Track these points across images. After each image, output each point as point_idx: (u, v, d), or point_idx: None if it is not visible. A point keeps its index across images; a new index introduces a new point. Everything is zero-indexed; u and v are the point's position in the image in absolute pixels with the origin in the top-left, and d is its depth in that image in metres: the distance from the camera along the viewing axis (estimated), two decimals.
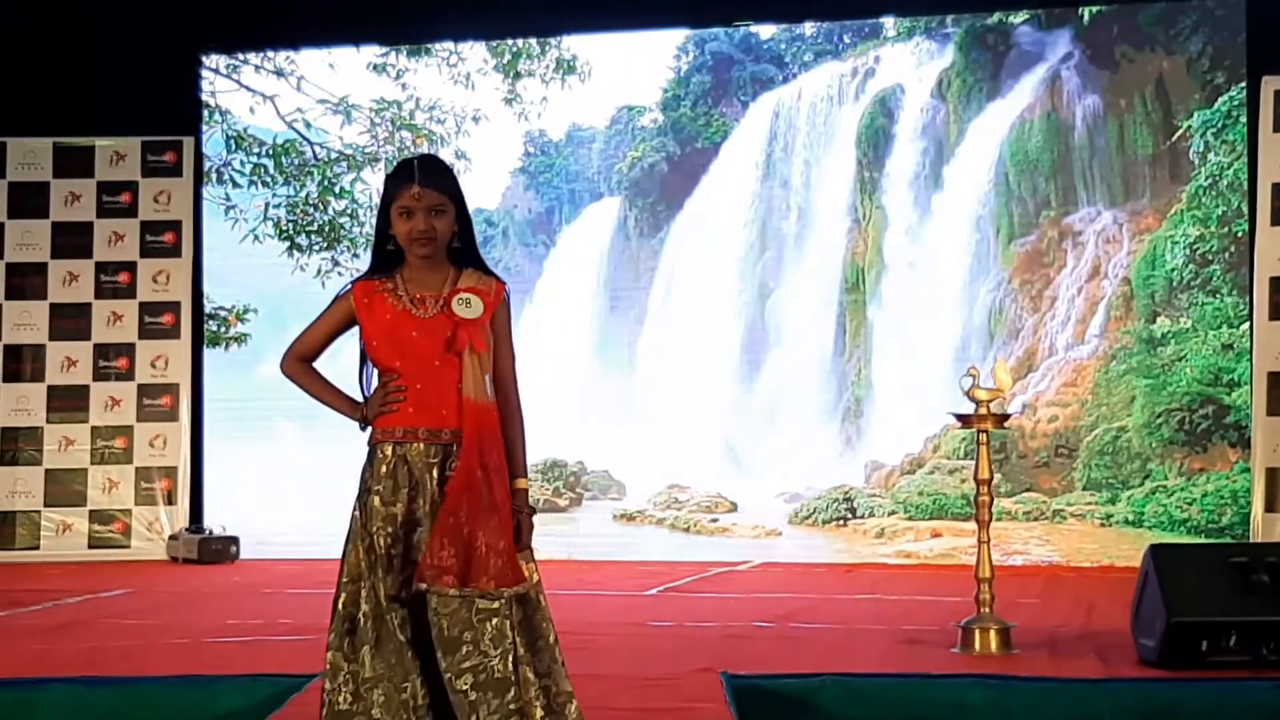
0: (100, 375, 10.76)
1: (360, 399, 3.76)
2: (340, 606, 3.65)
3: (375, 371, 3.76)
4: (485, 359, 3.68)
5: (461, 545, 3.56)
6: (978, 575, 5.86)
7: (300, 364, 3.84)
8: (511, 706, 3.54)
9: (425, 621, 3.59)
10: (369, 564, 3.62)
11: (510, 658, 3.56)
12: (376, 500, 3.64)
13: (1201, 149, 9.91)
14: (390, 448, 3.66)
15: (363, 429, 3.74)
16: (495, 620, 3.57)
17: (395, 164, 3.80)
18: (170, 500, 10.63)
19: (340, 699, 3.63)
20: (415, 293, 3.70)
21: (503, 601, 3.58)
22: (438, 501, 3.61)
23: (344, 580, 3.66)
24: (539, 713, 3.58)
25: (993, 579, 5.86)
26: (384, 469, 3.65)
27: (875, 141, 10.76)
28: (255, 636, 6.52)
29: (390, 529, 3.62)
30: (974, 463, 6.03)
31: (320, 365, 3.86)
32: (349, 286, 3.77)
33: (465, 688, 3.55)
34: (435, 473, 3.63)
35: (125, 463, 10.67)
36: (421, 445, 3.65)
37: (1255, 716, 4.86)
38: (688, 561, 9.89)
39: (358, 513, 3.66)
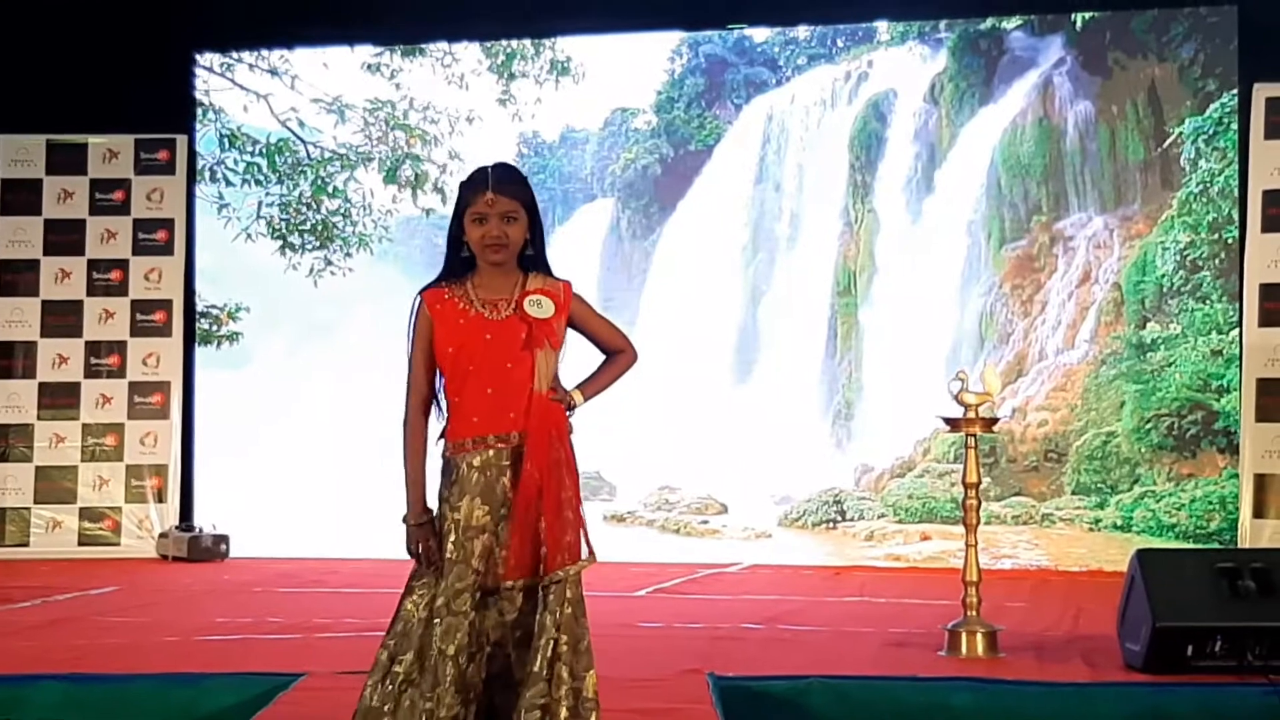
0: (91, 373, 10.75)
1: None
2: (402, 607, 3.75)
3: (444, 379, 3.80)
4: (556, 358, 3.79)
5: (533, 543, 3.68)
6: (965, 578, 5.87)
7: (420, 430, 3.82)
8: (540, 701, 3.61)
9: (470, 634, 3.66)
10: (435, 569, 3.72)
11: (549, 654, 3.64)
12: (447, 509, 3.73)
13: (1193, 155, 9.93)
14: (462, 459, 3.73)
15: (405, 522, 3.80)
16: (545, 616, 3.67)
17: (471, 171, 3.86)
18: (161, 498, 10.62)
19: (375, 696, 3.72)
20: (485, 298, 3.76)
21: (555, 596, 3.66)
22: (509, 505, 3.69)
23: (411, 582, 3.78)
24: (564, 713, 3.63)
25: (980, 582, 5.87)
26: (454, 475, 3.74)
27: (868, 145, 10.78)
28: (244, 635, 6.52)
29: (455, 536, 3.71)
30: (963, 466, 6.04)
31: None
32: (419, 299, 3.82)
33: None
34: (507, 477, 3.71)
35: (116, 460, 10.67)
36: (492, 452, 3.70)
37: None
38: (677, 563, 9.89)
39: (436, 519, 3.75)
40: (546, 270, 3.87)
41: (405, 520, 3.80)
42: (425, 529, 3.76)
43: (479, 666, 3.69)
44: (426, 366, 3.82)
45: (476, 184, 3.79)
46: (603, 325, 3.96)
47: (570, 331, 3.90)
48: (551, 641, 3.64)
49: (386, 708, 3.69)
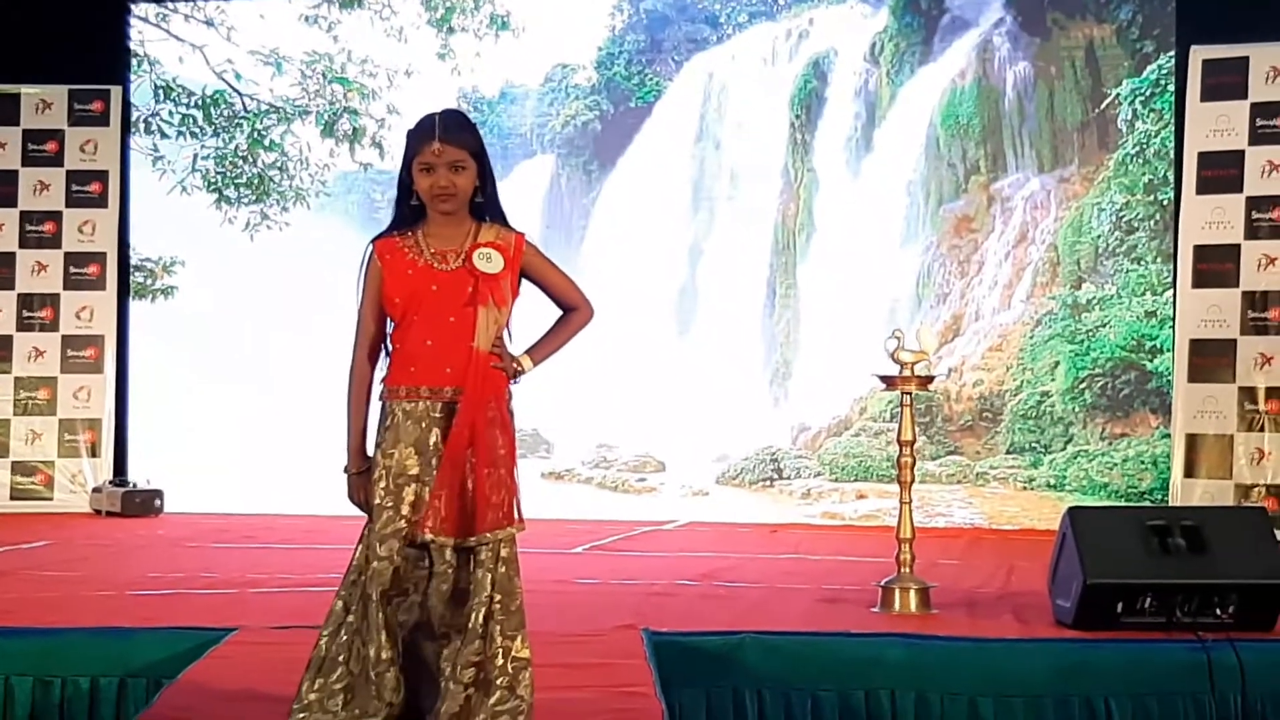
0: (24, 326, 10.62)
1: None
2: (354, 557, 3.75)
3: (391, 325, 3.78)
4: (502, 314, 3.75)
5: (460, 498, 3.64)
6: (898, 536, 5.91)
7: (365, 380, 3.80)
8: (474, 659, 3.62)
9: (394, 580, 3.65)
10: (374, 518, 3.71)
11: (484, 611, 3.63)
12: (380, 455, 3.71)
13: (1130, 117, 9.98)
14: (395, 405, 3.70)
15: (345, 471, 3.78)
16: (480, 572, 3.65)
17: (419, 119, 3.79)
18: (94, 453, 10.53)
19: (332, 645, 3.72)
20: (435, 247, 3.73)
21: (489, 554, 3.63)
22: (439, 457, 3.66)
23: (364, 531, 3.76)
24: (496, 671, 3.64)
25: (914, 539, 5.91)
26: (388, 423, 3.72)
27: (808, 104, 10.77)
28: (177, 590, 6.49)
29: (384, 483, 3.68)
30: (898, 424, 6.07)
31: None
32: (370, 246, 3.78)
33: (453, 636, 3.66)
34: (438, 430, 3.67)
35: (49, 414, 10.55)
36: (424, 404, 3.67)
37: (1168, 676, 4.97)
38: (615, 520, 9.90)
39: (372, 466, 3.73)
40: (501, 220, 3.83)
41: (346, 470, 3.78)
42: (365, 477, 3.74)
43: (399, 611, 3.68)
44: (375, 315, 3.80)
45: (424, 132, 3.75)
46: (558, 278, 3.94)
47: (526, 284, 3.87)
48: (487, 600, 3.63)
49: (341, 658, 3.69)
